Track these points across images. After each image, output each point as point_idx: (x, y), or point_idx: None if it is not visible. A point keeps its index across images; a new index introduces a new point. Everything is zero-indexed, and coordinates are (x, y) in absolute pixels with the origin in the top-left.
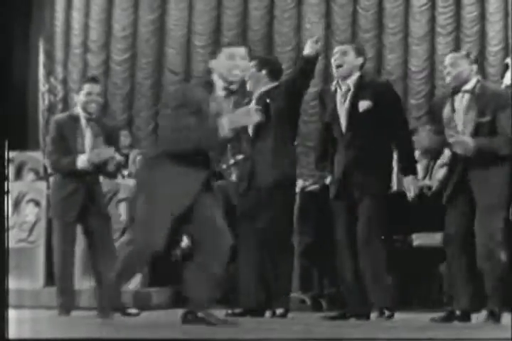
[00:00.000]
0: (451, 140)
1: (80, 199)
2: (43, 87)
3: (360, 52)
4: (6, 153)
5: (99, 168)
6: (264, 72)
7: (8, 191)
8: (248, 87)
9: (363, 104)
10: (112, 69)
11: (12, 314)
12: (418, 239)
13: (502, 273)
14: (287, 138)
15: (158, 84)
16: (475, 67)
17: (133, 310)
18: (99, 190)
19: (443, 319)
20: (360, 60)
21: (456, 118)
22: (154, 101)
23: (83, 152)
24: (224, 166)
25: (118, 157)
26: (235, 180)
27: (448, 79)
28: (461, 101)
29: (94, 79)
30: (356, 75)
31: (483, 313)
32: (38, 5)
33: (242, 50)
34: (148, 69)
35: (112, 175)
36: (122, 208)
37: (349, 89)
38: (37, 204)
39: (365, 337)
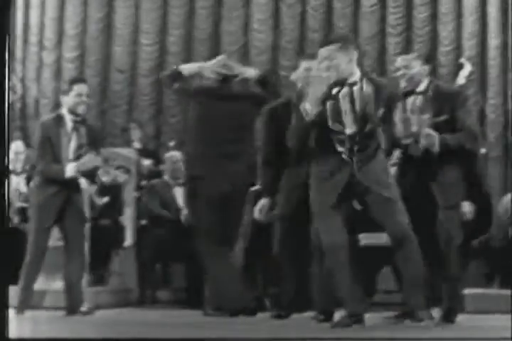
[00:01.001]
0: (408, 139)
1: (59, 204)
2: (6, 84)
3: None
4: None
5: (86, 176)
6: None
7: (8, 191)
8: None
9: None
10: (64, 67)
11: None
12: (365, 239)
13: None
14: None
15: (106, 82)
16: (427, 68)
17: (84, 308)
18: (78, 193)
19: (396, 318)
20: None
21: (410, 119)
22: (101, 99)
23: (68, 157)
24: None
25: (115, 170)
26: None
27: (401, 81)
28: (414, 102)
29: (82, 80)
30: None
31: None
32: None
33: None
34: (97, 67)
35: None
36: None
37: None
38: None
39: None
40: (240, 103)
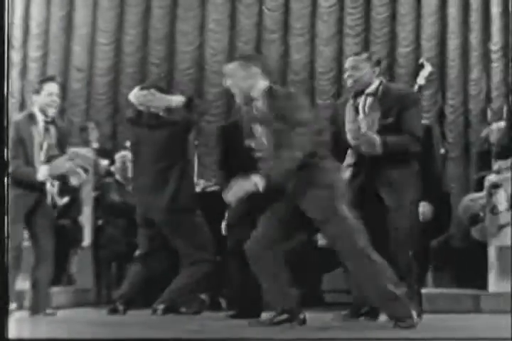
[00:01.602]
0: (358, 140)
1: (28, 205)
2: None
3: None
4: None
5: (59, 179)
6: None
7: (7, 191)
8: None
9: None
10: (29, 67)
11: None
12: (321, 240)
13: (408, 273)
14: None
15: (66, 81)
16: (377, 69)
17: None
18: (45, 194)
19: (350, 316)
20: None
21: (359, 120)
22: (61, 98)
23: (39, 158)
24: None
25: (78, 170)
26: None
27: (349, 82)
28: (364, 103)
29: (53, 79)
30: None
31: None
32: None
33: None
34: (58, 66)
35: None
36: None
37: None
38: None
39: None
40: (165, 131)
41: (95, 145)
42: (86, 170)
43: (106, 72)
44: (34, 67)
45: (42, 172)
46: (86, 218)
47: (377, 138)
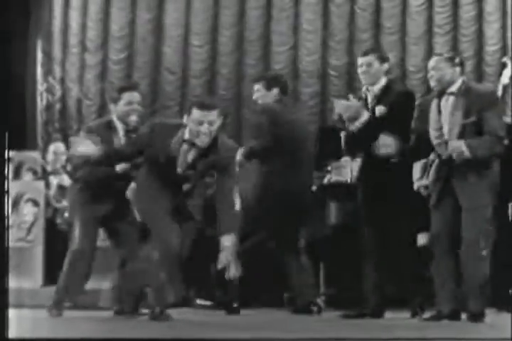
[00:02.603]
0: (441, 145)
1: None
2: (41, 86)
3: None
4: (7, 153)
5: None
6: (275, 90)
7: (8, 191)
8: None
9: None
10: (110, 69)
11: (12, 313)
12: (422, 239)
13: (485, 275)
14: None
15: (156, 83)
16: (458, 69)
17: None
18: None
19: (433, 318)
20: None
21: (442, 120)
22: (152, 100)
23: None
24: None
25: None
26: None
27: (431, 82)
28: (447, 103)
29: (133, 87)
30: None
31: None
32: (37, 4)
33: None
34: (146, 68)
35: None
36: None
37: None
38: (35, 203)
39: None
40: None
41: None
42: None
43: (200, 74)
44: (115, 70)
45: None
46: None
47: (462, 146)
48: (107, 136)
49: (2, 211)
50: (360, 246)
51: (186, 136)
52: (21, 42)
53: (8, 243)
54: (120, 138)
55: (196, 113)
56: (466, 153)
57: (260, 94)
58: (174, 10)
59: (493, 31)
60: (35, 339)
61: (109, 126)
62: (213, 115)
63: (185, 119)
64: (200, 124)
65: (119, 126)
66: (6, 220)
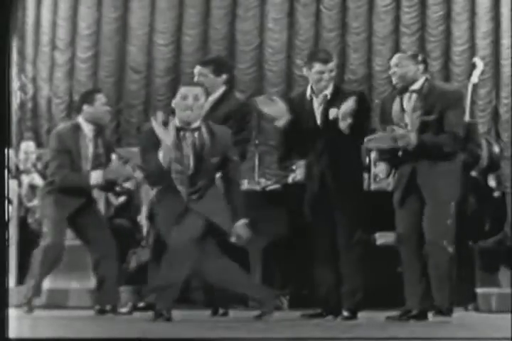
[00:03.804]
0: (394, 133)
1: (73, 207)
2: (15, 84)
3: None
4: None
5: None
6: (224, 76)
7: (8, 190)
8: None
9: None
10: (77, 67)
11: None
12: (381, 238)
13: (451, 270)
14: None
15: (121, 82)
16: (421, 66)
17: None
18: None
19: (399, 317)
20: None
21: (405, 117)
22: (116, 99)
23: (86, 166)
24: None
25: (136, 175)
26: None
27: (393, 78)
28: (409, 100)
29: (99, 90)
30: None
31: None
32: (11, 2)
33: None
34: (111, 67)
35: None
36: None
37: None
38: (9, 202)
39: (324, 336)
40: None
41: None
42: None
43: (165, 73)
44: (82, 68)
45: (95, 176)
46: (145, 217)
47: (411, 134)
48: (73, 139)
49: (2, 211)
50: (317, 246)
51: (176, 122)
52: None
53: (8, 242)
54: (87, 141)
55: (182, 89)
56: (413, 140)
57: (206, 79)
58: (139, 9)
59: (461, 31)
60: (36, 339)
61: (76, 129)
62: (198, 90)
63: (172, 103)
64: (185, 99)
65: (87, 128)
66: (5, 219)
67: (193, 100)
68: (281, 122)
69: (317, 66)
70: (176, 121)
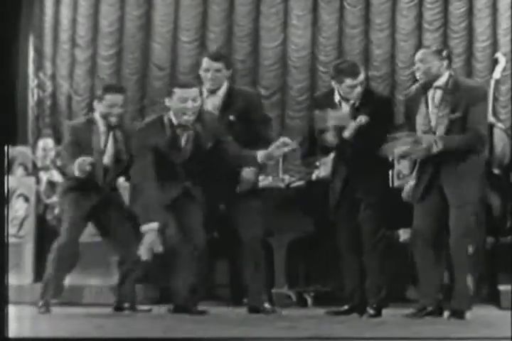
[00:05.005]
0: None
1: (90, 203)
2: (32, 82)
3: None
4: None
5: None
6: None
7: (8, 188)
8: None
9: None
10: (99, 65)
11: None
12: (405, 234)
13: (469, 271)
14: None
15: (144, 79)
16: (445, 62)
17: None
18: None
19: (415, 314)
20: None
21: (429, 114)
22: (140, 96)
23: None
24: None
25: None
26: None
27: (417, 74)
28: (434, 96)
29: (117, 89)
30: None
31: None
32: (28, 0)
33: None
34: (135, 64)
35: None
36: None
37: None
38: (26, 199)
39: (351, 335)
40: None
41: None
42: None
43: (189, 70)
44: (105, 66)
45: None
46: None
47: (435, 137)
48: (86, 134)
49: (2, 211)
50: (341, 242)
51: (173, 120)
52: (12, 39)
53: (7, 240)
54: (99, 136)
55: (179, 92)
56: (439, 146)
57: (220, 74)
58: (163, 6)
59: (483, 27)
60: (35, 339)
61: (90, 124)
62: (195, 92)
63: (167, 102)
64: (184, 102)
65: (101, 123)
66: (5, 218)
67: (192, 103)
68: (347, 133)
69: (347, 81)
70: (173, 120)
